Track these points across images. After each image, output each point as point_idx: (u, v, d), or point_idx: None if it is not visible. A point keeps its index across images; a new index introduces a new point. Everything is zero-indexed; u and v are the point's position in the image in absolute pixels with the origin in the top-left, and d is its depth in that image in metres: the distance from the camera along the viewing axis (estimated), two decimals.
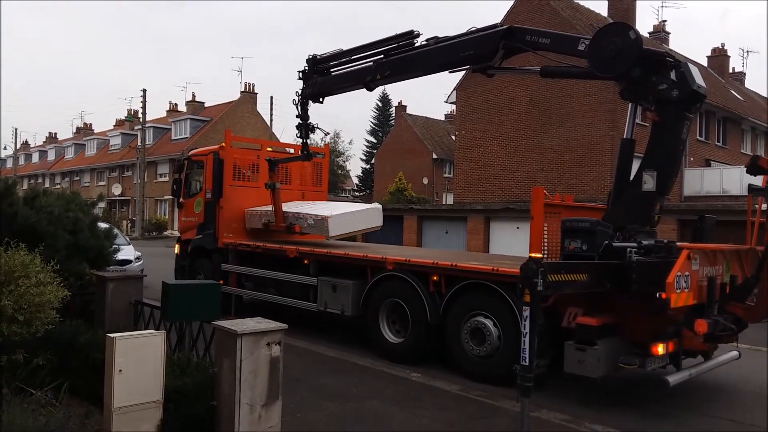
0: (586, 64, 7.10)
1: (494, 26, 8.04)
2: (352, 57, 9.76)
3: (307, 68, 10.36)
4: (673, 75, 6.69)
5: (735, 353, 7.58)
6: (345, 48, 9.94)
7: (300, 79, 10.51)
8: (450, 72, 8.86)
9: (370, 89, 9.76)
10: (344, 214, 10.77)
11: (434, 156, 48.63)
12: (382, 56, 9.33)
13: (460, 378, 7.53)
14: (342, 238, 11.65)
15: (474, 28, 8.21)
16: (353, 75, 9.82)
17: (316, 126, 10.78)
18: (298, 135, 10.81)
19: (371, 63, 9.48)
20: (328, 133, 11.20)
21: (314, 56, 10.29)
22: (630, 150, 7.30)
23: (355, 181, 66.70)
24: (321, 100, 10.55)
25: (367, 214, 11.17)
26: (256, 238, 11.56)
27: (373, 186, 53.43)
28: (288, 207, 11.24)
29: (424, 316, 8.03)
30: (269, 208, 11.34)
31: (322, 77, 10.24)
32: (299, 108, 10.59)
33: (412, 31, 8.93)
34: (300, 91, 10.52)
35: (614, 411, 6.56)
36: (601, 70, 6.87)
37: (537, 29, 7.58)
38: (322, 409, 6.23)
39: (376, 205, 11.50)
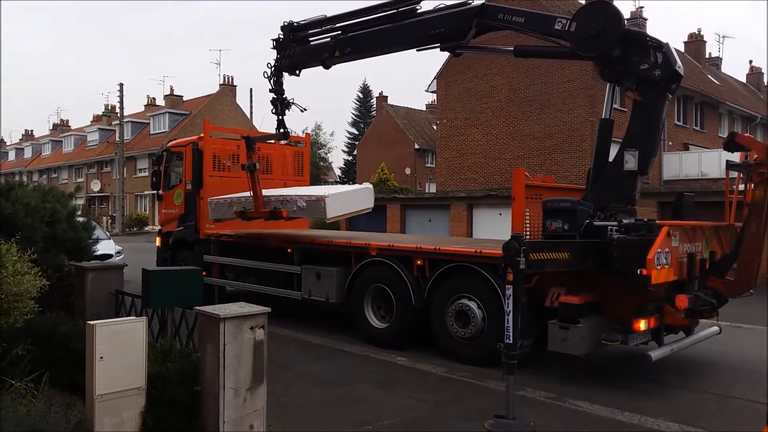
0: (560, 45, 7.09)
1: (466, 2, 7.76)
2: (337, 25, 9.02)
3: (282, 36, 9.58)
4: (653, 56, 6.74)
5: (716, 328, 7.69)
6: (329, 15, 9.15)
7: (274, 48, 9.67)
8: (417, 50, 8.39)
9: (327, 67, 9.18)
10: (341, 194, 9.73)
11: (416, 146, 48.65)
12: (339, 32, 8.78)
13: (445, 360, 7.56)
14: (335, 221, 11.04)
15: (443, 5, 7.89)
16: (311, 50, 9.23)
17: (292, 101, 9.87)
18: (273, 111, 9.89)
19: (329, 39, 8.95)
20: (306, 109, 10.07)
21: (291, 23, 9.54)
22: (609, 129, 7.34)
23: (338, 172, 66.55)
24: (297, 72, 9.74)
25: (361, 194, 10.09)
26: (239, 228, 11.39)
27: (356, 177, 53.33)
28: (268, 191, 10.13)
29: (409, 300, 8.03)
30: (242, 194, 10.27)
31: (301, 47, 9.44)
32: (272, 81, 9.74)
33: None
34: (273, 63, 9.66)
35: (598, 387, 6.62)
36: (583, 50, 6.86)
37: (511, 7, 7.45)
38: (307, 393, 6.23)
39: (368, 185, 10.37)
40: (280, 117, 9.90)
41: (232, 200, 10.29)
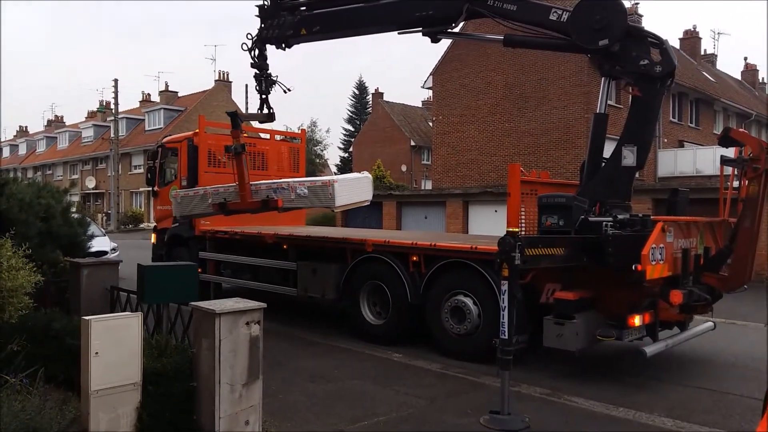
0: (554, 37, 7.05)
1: None
2: None
3: (267, 4, 8.74)
4: (652, 52, 6.75)
5: (710, 324, 7.73)
6: None
7: (258, 16, 8.74)
8: (399, 33, 7.98)
9: (288, 46, 8.58)
10: (348, 180, 8.75)
11: (412, 143, 48.63)
12: (303, 8, 8.21)
13: (440, 357, 7.57)
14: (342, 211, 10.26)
15: None
16: (280, 26, 8.43)
17: (276, 79, 8.91)
18: (257, 89, 8.97)
19: (293, 16, 8.30)
20: (290, 89, 9.04)
21: None
22: (604, 124, 7.35)
23: (334, 169, 66.47)
24: (284, 46, 8.81)
25: (363, 183, 8.99)
26: (233, 224, 11.34)
27: None
28: (256, 180, 9.03)
29: (405, 296, 8.04)
30: (218, 186, 9.23)
31: (292, 16, 8.52)
32: (253, 54, 8.77)
33: None
34: (256, 33, 8.76)
35: (593, 383, 6.65)
36: (586, 42, 6.81)
37: None
38: (303, 390, 6.23)
39: (366, 174, 9.27)
40: (264, 96, 9.03)
41: (206, 191, 9.20)
